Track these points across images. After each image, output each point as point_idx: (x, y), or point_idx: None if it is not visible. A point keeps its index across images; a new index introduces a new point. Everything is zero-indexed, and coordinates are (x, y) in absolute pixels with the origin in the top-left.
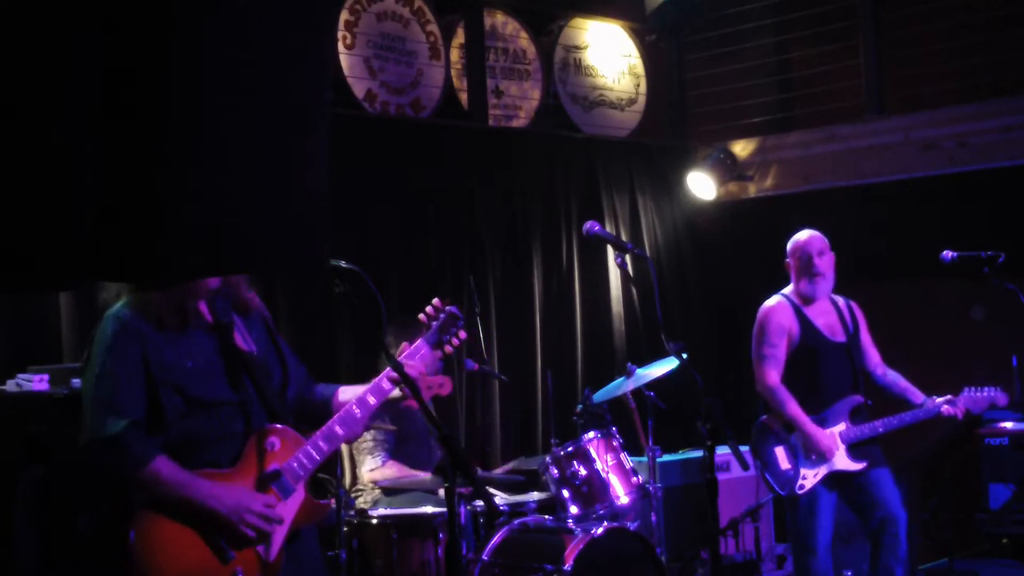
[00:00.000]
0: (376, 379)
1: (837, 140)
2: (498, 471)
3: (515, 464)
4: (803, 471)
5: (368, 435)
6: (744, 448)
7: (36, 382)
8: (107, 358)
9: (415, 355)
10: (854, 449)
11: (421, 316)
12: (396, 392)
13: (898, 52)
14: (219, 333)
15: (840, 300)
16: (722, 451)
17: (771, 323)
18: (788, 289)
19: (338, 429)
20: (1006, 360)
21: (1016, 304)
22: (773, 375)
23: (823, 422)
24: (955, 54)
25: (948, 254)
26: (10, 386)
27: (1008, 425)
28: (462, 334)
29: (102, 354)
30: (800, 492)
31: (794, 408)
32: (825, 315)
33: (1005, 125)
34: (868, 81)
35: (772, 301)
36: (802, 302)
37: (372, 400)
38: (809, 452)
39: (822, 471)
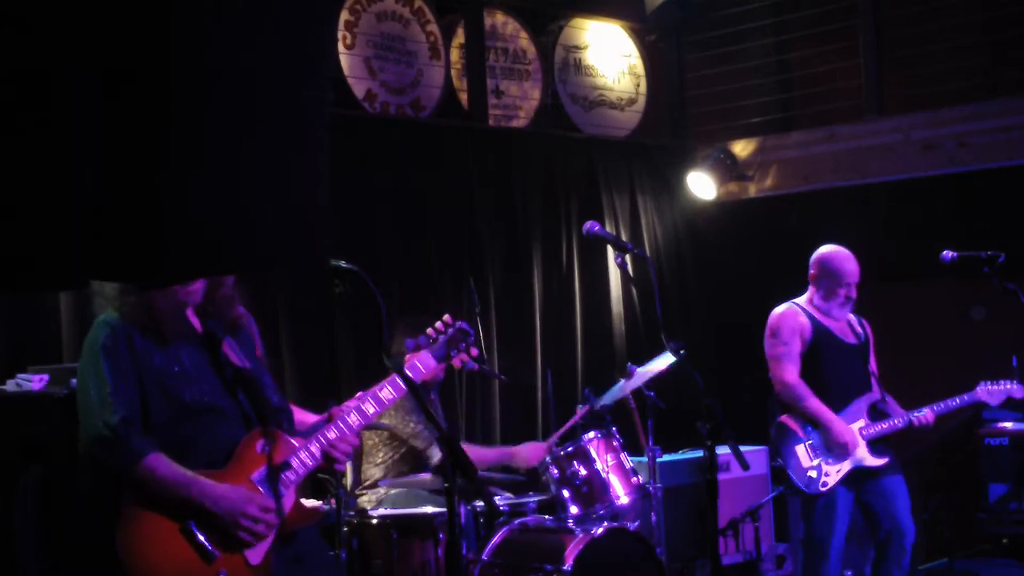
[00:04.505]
0: (321, 429)
1: (837, 140)
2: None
3: None
4: (825, 468)
5: (369, 437)
6: (745, 448)
7: (36, 382)
8: (100, 360)
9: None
10: (874, 446)
11: (430, 331)
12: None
13: (898, 52)
14: (208, 344)
15: (851, 315)
16: (722, 451)
17: (783, 324)
18: (802, 298)
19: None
20: (1006, 360)
21: (1016, 304)
22: (791, 372)
23: (842, 418)
24: (955, 54)
25: (948, 254)
26: (10, 386)
27: (1008, 425)
28: (473, 350)
29: (94, 356)
30: (823, 489)
31: (814, 402)
32: (837, 322)
33: (1005, 125)
34: (868, 81)
35: (782, 308)
36: (817, 312)
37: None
38: (831, 447)
39: (845, 467)
